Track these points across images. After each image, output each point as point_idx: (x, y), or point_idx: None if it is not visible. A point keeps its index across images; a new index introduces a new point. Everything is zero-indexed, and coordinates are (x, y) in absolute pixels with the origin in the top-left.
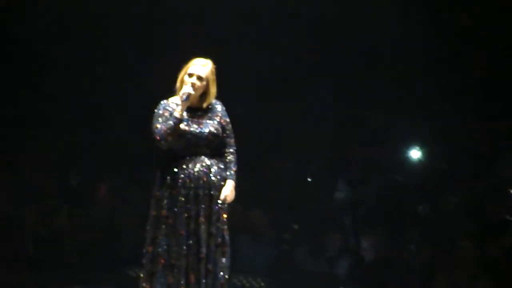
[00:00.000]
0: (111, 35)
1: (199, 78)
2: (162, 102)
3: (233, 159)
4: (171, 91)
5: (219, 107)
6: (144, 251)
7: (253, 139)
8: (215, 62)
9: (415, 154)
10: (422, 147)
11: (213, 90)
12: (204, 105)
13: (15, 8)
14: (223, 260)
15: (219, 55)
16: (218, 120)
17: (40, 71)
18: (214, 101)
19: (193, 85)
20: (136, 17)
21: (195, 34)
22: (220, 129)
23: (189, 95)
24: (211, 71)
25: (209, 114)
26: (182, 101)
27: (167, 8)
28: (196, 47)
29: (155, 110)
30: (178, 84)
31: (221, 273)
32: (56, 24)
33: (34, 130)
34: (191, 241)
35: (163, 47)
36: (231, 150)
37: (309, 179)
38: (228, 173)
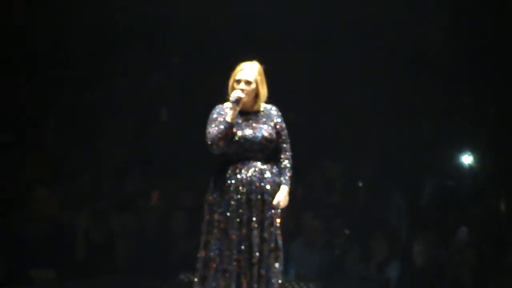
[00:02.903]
0: (163, 42)
1: (247, 82)
2: (216, 106)
3: (288, 165)
4: (223, 96)
5: (274, 112)
6: (198, 255)
7: (304, 143)
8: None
9: (466, 158)
10: (473, 151)
11: (263, 91)
12: (256, 107)
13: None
14: (276, 265)
15: (268, 59)
16: (273, 125)
17: (90, 78)
18: (269, 106)
19: (242, 90)
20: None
21: (243, 39)
22: (274, 134)
23: (238, 99)
24: (259, 72)
25: (264, 119)
26: (232, 104)
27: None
28: (243, 52)
29: (210, 115)
30: (229, 92)
31: (275, 278)
32: (103, 31)
33: (86, 135)
34: (243, 246)
35: (211, 51)
36: (287, 155)
37: (360, 184)
38: (282, 178)
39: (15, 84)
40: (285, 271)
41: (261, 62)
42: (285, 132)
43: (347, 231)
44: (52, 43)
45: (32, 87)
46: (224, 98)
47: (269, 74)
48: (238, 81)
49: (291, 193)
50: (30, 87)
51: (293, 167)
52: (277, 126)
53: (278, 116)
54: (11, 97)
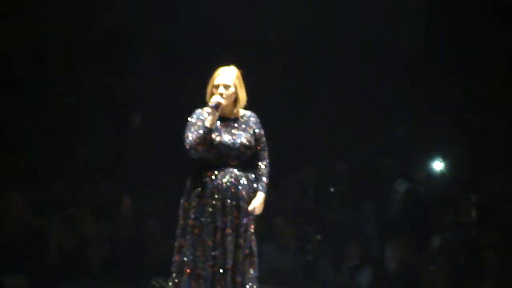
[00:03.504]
0: (137, 47)
1: (226, 86)
2: (196, 111)
3: (265, 172)
4: (198, 102)
5: (253, 119)
6: (172, 259)
7: (278, 149)
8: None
9: (438, 164)
10: (446, 157)
11: (242, 95)
12: (235, 111)
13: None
14: (251, 271)
15: (243, 64)
16: (252, 132)
17: (63, 82)
18: (248, 112)
19: (221, 95)
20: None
21: (219, 43)
22: (253, 141)
23: (218, 104)
24: (237, 76)
25: (243, 126)
26: (211, 109)
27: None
28: (219, 57)
29: (188, 119)
30: (207, 98)
31: (249, 284)
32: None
33: (59, 141)
34: (217, 252)
35: (189, 57)
36: (264, 163)
37: (332, 189)
38: (259, 185)
39: None
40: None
41: (237, 67)
42: (263, 139)
43: (319, 237)
44: (28, 48)
45: (7, 91)
46: (199, 104)
47: (245, 80)
48: (217, 86)
49: (266, 199)
50: (4, 92)
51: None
52: (256, 133)
53: (257, 123)
54: None
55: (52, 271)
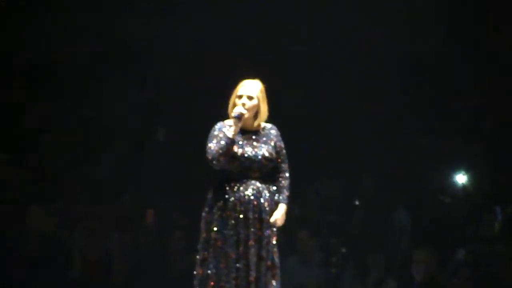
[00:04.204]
0: (159, 60)
1: (249, 97)
2: (218, 123)
3: (286, 184)
4: (223, 115)
5: (274, 131)
6: (194, 273)
7: (301, 162)
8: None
9: (461, 176)
10: (468, 169)
11: (264, 108)
12: (256, 124)
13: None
14: (274, 282)
15: (265, 77)
16: (273, 144)
17: (85, 95)
18: (269, 125)
19: (243, 105)
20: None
21: (241, 56)
22: (274, 153)
23: (240, 114)
24: (261, 90)
25: (264, 138)
26: (234, 120)
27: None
28: (240, 71)
29: (211, 131)
30: (230, 108)
31: None
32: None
33: (82, 154)
34: (240, 264)
35: (212, 70)
36: (285, 175)
37: (356, 202)
38: (280, 197)
39: (11, 102)
40: None
41: (259, 78)
42: (284, 152)
43: (343, 250)
44: (48, 62)
45: (29, 105)
46: (220, 117)
47: (268, 92)
48: (240, 96)
49: (288, 212)
50: (26, 105)
51: (290, 186)
52: (277, 146)
53: (278, 136)
54: (7, 115)
55: (74, 284)
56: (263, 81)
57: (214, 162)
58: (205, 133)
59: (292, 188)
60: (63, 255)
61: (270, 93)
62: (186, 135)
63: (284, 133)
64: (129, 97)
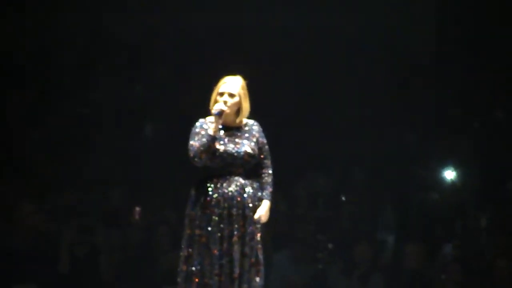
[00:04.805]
0: (148, 56)
1: (231, 95)
2: (199, 120)
3: (269, 180)
4: (206, 110)
5: (256, 127)
6: (178, 269)
7: (289, 157)
8: (246, 78)
9: (449, 172)
10: (457, 165)
11: (245, 105)
12: (238, 120)
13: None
14: (257, 279)
15: (253, 72)
16: (255, 140)
17: (73, 91)
18: (251, 121)
19: (225, 102)
20: (167, 38)
21: (228, 52)
22: (256, 149)
23: (221, 111)
24: (242, 86)
25: (246, 135)
26: (214, 117)
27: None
28: (227, 66)
29: (192, 129)
30: (211, 105)
31: None
32: (89, 44)
33: (70, 150)
34: (224, 261)
35: (200, 66)
36: (268, 171)
37: (343, 198)
38: (264, 193)
39: (1, 97)
40: (266, 286)
41: (246, 75)
42: (266, 148)
43: (330, 245)
44: (38, 57)
45: (18, 100)
46: (207, 113)
47: (256, 87)
48: (221, 94)
49: (275, 207)
50: (15, 100)
51: (277, 181)
52: (259, 142)
53: (260, 132)
54: None
55: (63, 280)
56: (250, 76)
57: (196, 159)
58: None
59: (279, 184)
60: (51, 250)
61: (257, 89)
62: (175, 130)
63: (271, 129)
64: (118, 93)
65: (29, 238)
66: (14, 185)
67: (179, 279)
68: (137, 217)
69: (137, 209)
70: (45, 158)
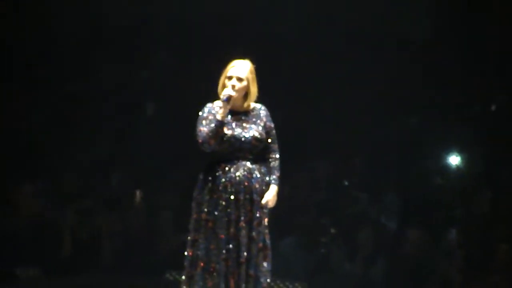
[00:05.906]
0: (149, 38)
1: (239, 79)
2: (207, 105)
3: (276, 165)
4: (213, 94)
5: (263, 112)
6: (185, 254)
7: (291, 142)
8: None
9: (454, 158)
10: (460, 150)
11: (253, 89)
12: (245, 105)
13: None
14: (265, 264)
15: (255, 57)
16: (263, 125)
17: (75, 74)
18: (259, 106)
19: (233, 87)
20: (172, 21)
21: (232, 35)
22: (264, 134)
23: (229, 96)
24: (250, 70)
25: (254, 119)
26: (223, 103)
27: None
28: (231, 49)
29: (200, 113)
30: (219, 88)
31: (263, 277)
32: (90, 27)
33: (71, 133)
34: (231, 246)
35: (199, 48)
36: (275, 156)
37: (346, 183)
38: (271, 178)
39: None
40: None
41: (250, 61)
42: (273, 132)
43: (333, 230)
44: (37, 38)
45: (16, 82)
46: (211, 95)
47: (257, 73)
48: (230, 78)
49: (279, 193)
50: (14, 83)
51: (281, 167)
52: (266, 126)
53: (268, 116)
54: None
55: (65, 263)
56: (253, 61)
57: (204, 145)
58: (196, 111)
59: (282, 168)
60: (54, 234)
61: (260, 74)
62: (177, 113)
63: (274, 114)
64: (119, 77)
65: (30, 221)
66: (14, 168)
67: (185, 263)
68: (138, 200)
69: (138, 192)
70: (45, 141)
